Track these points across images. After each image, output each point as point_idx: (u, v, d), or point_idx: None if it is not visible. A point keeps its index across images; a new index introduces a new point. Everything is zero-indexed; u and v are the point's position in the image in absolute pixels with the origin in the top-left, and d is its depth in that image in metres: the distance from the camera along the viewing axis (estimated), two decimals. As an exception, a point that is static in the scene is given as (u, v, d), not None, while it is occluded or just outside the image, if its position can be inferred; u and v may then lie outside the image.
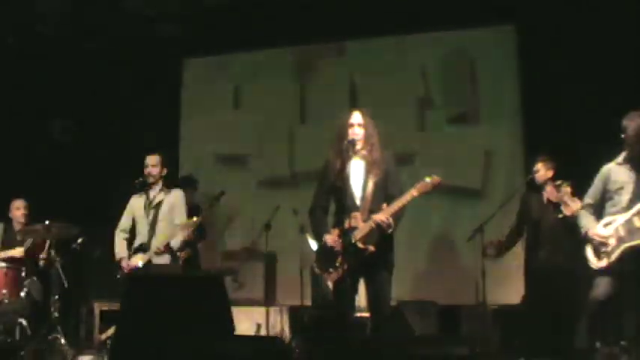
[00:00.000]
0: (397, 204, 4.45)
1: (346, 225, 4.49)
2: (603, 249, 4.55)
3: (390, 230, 4.45)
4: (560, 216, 5.40)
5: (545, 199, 5.71)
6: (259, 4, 7.62)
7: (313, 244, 5.91)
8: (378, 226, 4.41)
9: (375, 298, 4.55)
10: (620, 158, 4.69)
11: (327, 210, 4.73)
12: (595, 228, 4.62)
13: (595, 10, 6.66)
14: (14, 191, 7.03)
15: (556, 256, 5.69)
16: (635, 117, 4.58)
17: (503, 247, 6.18)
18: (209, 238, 7.35)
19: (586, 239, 4.67)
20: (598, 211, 4.75)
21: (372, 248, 4.44)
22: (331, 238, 4.52)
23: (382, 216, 4.41)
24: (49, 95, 8.13)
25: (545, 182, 5.73)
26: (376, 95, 7.50)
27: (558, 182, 5.36)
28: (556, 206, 5.46)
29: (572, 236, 5.48)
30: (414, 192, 4.45)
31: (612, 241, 4.52)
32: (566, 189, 5.22)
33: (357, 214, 4.49)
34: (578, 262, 4.86)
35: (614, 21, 6.56)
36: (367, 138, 4.62)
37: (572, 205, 5.09)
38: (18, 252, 6.64)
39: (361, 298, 4.73)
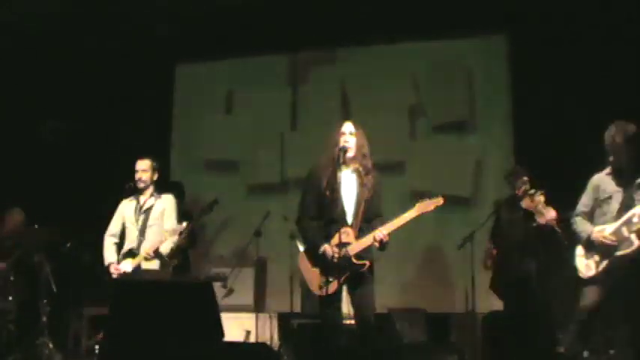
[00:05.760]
0: (397, 222, 4.48)
1: (336, 239, 4.40)
2: (608, 244, 4.47)
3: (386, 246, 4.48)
4: (534, 224, 5.41)
5: (520, 208, 5.68)
6: (252, 11, 7.62)
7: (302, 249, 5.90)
8: (381, 243, 4.42)
9: (360, 306, 4.53)
10: (609, 168, 4.72)
11: (315, 218, 4.65)
12: (596, 230, 4.57)
13: (587, 20, 6.70)
14: (4, 194, 7.00)
15: (529, 265, 5.68)
16: (613, 128, 4.61)
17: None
18: (199, 243, 7.34)
19: (587, 243, 4.61)
20: (589, 220, 4.76)
21: (368, 263, 4.46)
22: (330, 248, 4.46)
23: (385, 234, 4.42)
24: (39, 98, 8.09)
25: (524, 193, 5.70)
26: (367, 103, 7.53)
27: (532, 191, 5.36)
28: (530, 215, 5.47)
29: (546, 245, 5.49)
30: (413, 212, 4.49)
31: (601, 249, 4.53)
32: (540, 198, 5.22)
33: (349, 230, 4.48)
34: (551, 271, 4.87)
35: (606, 31, 6.60)
36: (359, 148, 4.63)
37: (545, 214, 5.09)
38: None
39: (345, 305, 4.71)
